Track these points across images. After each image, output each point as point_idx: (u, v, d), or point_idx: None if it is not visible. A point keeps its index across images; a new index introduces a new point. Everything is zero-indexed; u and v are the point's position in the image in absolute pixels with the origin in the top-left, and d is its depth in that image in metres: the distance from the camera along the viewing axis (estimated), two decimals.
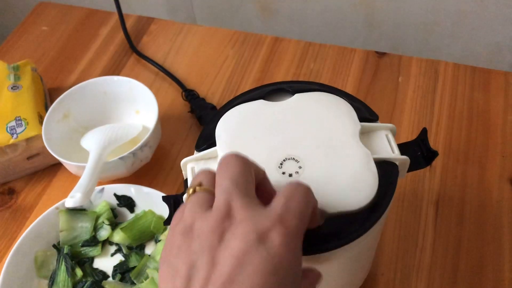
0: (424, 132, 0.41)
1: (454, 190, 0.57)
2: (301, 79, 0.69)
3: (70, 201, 0.47)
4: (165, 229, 0.54)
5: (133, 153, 0.54)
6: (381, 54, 0.71)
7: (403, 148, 0.42)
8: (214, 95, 0.68)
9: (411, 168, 0.41)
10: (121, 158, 0.54)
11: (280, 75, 0.70)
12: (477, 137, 0.61)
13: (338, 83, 0.68)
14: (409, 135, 0.61)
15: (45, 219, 0.54)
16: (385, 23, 0.91)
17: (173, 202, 0.42)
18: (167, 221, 0.41)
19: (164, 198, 0.43)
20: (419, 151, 0.41)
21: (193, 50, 0.75)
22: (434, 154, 0.40)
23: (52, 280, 0.52)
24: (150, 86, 0.68)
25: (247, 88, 0.69)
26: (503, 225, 0.53)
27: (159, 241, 0.54)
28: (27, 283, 0.51)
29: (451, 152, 0.60)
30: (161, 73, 0.72)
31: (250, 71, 0.71)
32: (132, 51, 0.75)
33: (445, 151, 0.60)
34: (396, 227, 0.54)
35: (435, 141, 0.60)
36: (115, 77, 0.62)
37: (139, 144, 0.55)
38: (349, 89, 0.67)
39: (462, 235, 0.53)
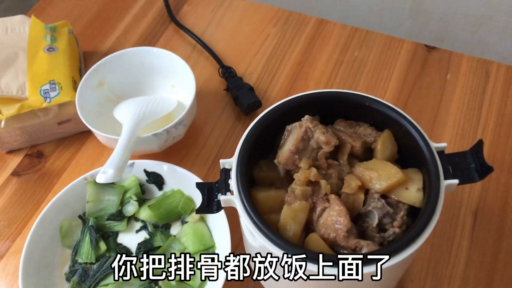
0: (479, 144, 0.39)
1: (495, 201, 0.54)
2: (344, 67, 0.66)
3: (102, 177, 0.45)
4: (192, 211, 0.53)
5: (167, 131, 0.53)
6: (430, 48, 0.67)
7: (456, 157, 0.39)
8: (251, 75, 0.66)
9: (463, 181, 0.38)
10: (154, 135, 0.52)
11: (322, 60, 0.67)
12: None
13: (383, 74, 0.65)
14: (453, 137, 0.58)
15: (73, 188, 0.53)
16: (433, 11, 0.87)
17: (207, 190, 0.41)
18: (200, 210, 0.40)
19: (198, 185, 0.41)
20: (472, 163, 0.38)
21: (233, 25, 0.72)
22: (489, 169, 0.38)
23: (76, 250, 0.51)
24: (186, 59, 0.65)
25: (286, 71, 0.66)
26: None
27: (186, 222, 0.52)
28: (51, 251, 0.51)
29: (495, 160, 0.57)
30: (198, 46, 0.69)
31: (291, 53, 0.68)
32: (170, 20, 0.72)
33: (489, 158, 0.57)
34: (431, 234, 0.52)
35: None
36: (155, 49, 0.60)
37: (174, 122, 0.53)
38: (393, 82, 0.64)
39: (500, 248, 0.51)
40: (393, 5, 0.87)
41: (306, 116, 0.41)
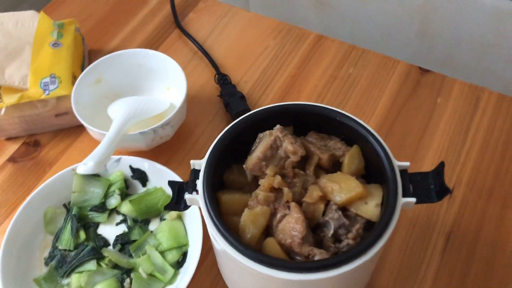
0: (441, 165, 0.40)
1: (470, 225, 0.54)
2: (337, 83, 0.67)
3: (82, 168, 0.48)
4: None
5: (154, 130, 0.55)
6: (424, 71, 0.68)
7: (418, 177, 0.40)
8: (246, 84, 0.68)
9: (421, 200, 0.39)
10: (141, 133, 0.54)
11: (317, 75, 0.69)
12: (507, 175, 0.58)
13: (374, 93, 0.66)
14: (436, 160, 0.59)
15: (60, 178, 0.55)
16: (439, 36, 0.88)
17: (178, 188, 0.43)
18: (168, 206, 0.42)
19: (170, 183, 0.43)
20: (433, 184, 0.39)
21: (235, 35, 0.74)
22: (446, 191, 0.38)
23: (57, 237, 0.54)
24: (186, 64, 0.68)
25: (280, 83, 0.68)
26: None
27: (164, 219, 0.54)
28: (34, 235, 0.53)
29: (475, 185, 0.57)
30: (199, 53, 0.72)
31: (287, 65, 0.70)
32: (176, 25, 0.75)
33: (469, 183, 0.57)
34: (401, 251, 0.53)
35: (461, 171, 0.58)
36: (151, 51, 0.62)
37: (161, 122, 0.55)
38: (383, 101, 0.65)
39: (469, 272, 0.51)
40: (400, 28, 0.88)
41: (277, 126, 0.43)
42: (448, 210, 0.56)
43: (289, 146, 0.42)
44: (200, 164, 0.42)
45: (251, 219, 0.39)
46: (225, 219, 0.41)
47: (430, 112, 0.64)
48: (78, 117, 0.56)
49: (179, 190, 0.43)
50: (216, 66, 0.69)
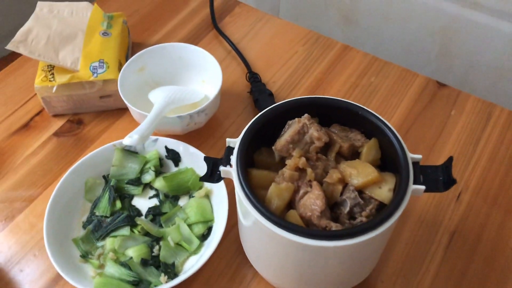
0: (449, 160, 0.44)
1: (473, 227, 0.59)
2: (358, 90, 0.73)
3: (128, 140, 0.53)
4: (200, 188, 0.60)
5: (190, 115, 0.61)
6: (441, 85, 0.73)
7: (429, 169, 0.45)
8: (275, 84, 0.74)
9: (429, 189, 0.44)
10: (179, 117, 0.60)
11: (340, 81, 0.74)
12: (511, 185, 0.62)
13: (392, 101, 0.71)
14: None
15: (102, 152, 0.61)
16: (457, 57, 0.92)
17: (212, 163, 0.48)
18: (203, 178, 0.47)
19: (205, 158, 0.48)
20: (441, 176, 0.44)
21: (267, 39, 0.80)
22: (453, 181, 0.43)
23: (95, 204, 0.59)
24: (220, 62, 0.74)
25: (306, 85, 0.73)
26: (511, 271, 0.55)
27: (193, 197, 0.60)
28: (75, 201, 0.59)
29: (481, 191, 0.62)
30: (233, 52, 0.78)
31: (313, 71, 0.75)
32: (213, 26, 0.81)
33: (475, 189, 0.62)
34: (408, 244, 0.57)
35: (469, 178, 0.63)
36: (192, 46, 0.68)
37: (197, 109, 0.61)
38: (400, 110, 0.70)
39: (469, 269, 0.56)
40: (421, 46, 0.93)
41: (306, 114, 0.48)
42: (454, 211, 0.60)
43: (315, 132, 0.47)
44: (235, 142, 0.47)
45: (277, 192, 0.45)
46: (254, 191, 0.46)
47: (443, 122, 0.69)
48: (123, 98, 0.62)
49: (214, 165, 0.48)
50: (248, 65, 0.75)
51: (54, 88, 0.66)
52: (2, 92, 0.73)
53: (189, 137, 0.66)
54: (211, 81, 0.68)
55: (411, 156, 0.46)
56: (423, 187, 0.43)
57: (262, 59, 0.77)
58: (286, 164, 0.47)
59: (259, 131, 0.48)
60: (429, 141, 0.67)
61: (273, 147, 0.48)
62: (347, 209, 0.44)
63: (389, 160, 0.48)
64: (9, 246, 0.58)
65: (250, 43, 0.79)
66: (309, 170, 0.45)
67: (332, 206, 0.46)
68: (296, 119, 0.48)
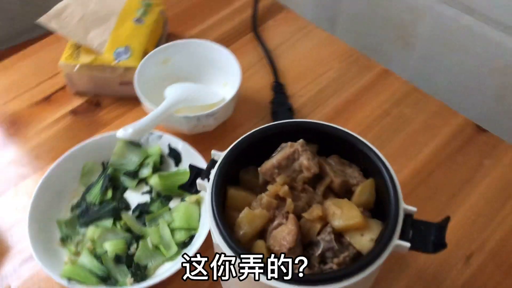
0: (446, 220, 0.39)
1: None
2: (388, 119, 0.67)
3: (121, 132, 0.52)
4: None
5: (198, 118, 0.59)
6: (481, 130, 0.66)
7: (422, 225, 0.40)
8: (300, 98, 0.70)
9: (416, 248, 0.39)
10: (185, 117, 0.58)
11: (371, 107, 0.69)
12: None
13: (422, 137, 0.65)
14: (464, 219, 0.57)
15: (106, 138, 0.60)
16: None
17: (195, 173, 0.45)
18: (181, 186, 0.45)
19: (190, 166, 0.46)
20: (433, 235, 0.39)
21: (304, 50, 0.76)
22: (443, 246, 0.38)
23: (88, 190, 0.59)
24: (250, 66, 0.72)
25: (332, 105, 0.69)
26: None
27: (184, 200, 0.58)
28: (69, 182, 0.59)
29: (497, 256, 0.55)
30: (265, 59, 0.75)
31: (344, 91, 0.71)
32: (252, 29, 0.79)
33: (491, 252, 0.55)
34: None
35: (487, 238, 0.56)
36: (220, 47, 0.66)
37: (206, 112, 0.59)
38: (428, 149, 0.64)
39: None
40: (475, 84, 0.85)
41: (301, 140, 0.45)
42: (462, 270, 0.54)
43: (305, 161, 0.43)
44: (219, 156, 0.45)
45: (248, 218, 0.41)
46: (228, 211, 0.43)
47: (472, 171, 0.62)
48: (136, 87, 0.61)
49: (196, 175, 0.45)
50: (276, 74, 0.71)
51: (76, 67, 0.66)
52: (34, 62, 0.75)
53: (197, 139, 0.64)
54: (232, 85, 0.65)
55: (405, 206, 0.41)
56: (408, 244, 0.39)
57: (293, 69, 0.74)
58: (267, 189, 0.43)
59: (249, 149, 0.45)
60: (451, 188, 0.60)
61: (259, 169, 0.45)
62: (319, 251, 0.40)
63: (383, 207, 0.43)
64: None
65: (286, 51, 0.76)
66: (289, 200, 0.42)
67: (307, 245, 0.42)
68: (289, 143, 0.45)
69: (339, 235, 0.41)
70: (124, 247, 0.53)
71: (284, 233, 0.40)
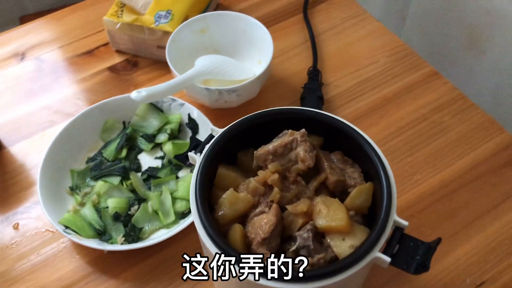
0: (436, 241, 0.36)
1: None
2: (425, 124, 0.63)
3: (134, 94, 0.52)
4: None
5: (220, 91, 0.58)
6: None
7: (411, 242, 0.37)
8: (334, 89, 0.67)
9: (397, 264, 0.36)
10: (207, 89, 0.57)
11: (410, 108, 0.64)
12: None
13: (456, 150, 0.60)
14: (476, 248, 0.52)
15: (131, 99, 0.61)
16: None
17: (194, 145, 0.45)
18: (177, 156, 0.45)
19: (191, 138, 0.46)
20: (419, 255, 0.36)
21: (352, 38, 0.73)
22: (425, 269, 0.35)
23: (105, 145, 0.60)
24: (292, 48, 0.69)
25: (368, 100, 0.65)
26: None
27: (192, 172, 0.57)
28: (88, 135, 0.60)
29: None
30: (309, 42, 0.72)
31: (385, 87, 0.67)
32: (302, 10, 0.76)
33: (505, 285, 0.50)
34: None
35: (503, 270, 0.51)
36: (258, 23, 0.64)
37: (229, 87, 0.57)
38: (463, 163, 0.59)
39: None
40: None
41: (303, 130, 0.42)
42: None
43: (302, 152, 0.41)
44: (217, 132, 0.44)
45: (231, 200, 0.40)
46: (214, 190, 0.42)
47: (505, 196, 0.56)
48: (166, 52, 0.61)
49: (194, 147, 0.45)
50: (316, 60, 0.68)
51: (118, 25, 0.67)
52: (83, 17, 0.77)
53: (219, 114, 0.63)
54: (267, 64, 0.63)
55: (396, 219, 0.38)
56: (388, 259, 0.36)
57: (336, 57, 0.70)
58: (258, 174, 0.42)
59: (249, 130, 0.44)
60: (474, 211, 0.55)
61: (254, 152, 0.44)
62: (294, 247, 0.38)
63: (377, 211, 0.40)
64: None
65: (332, 37, 0.73)
66: (276, 189, 0.40)
67: (286, 238, 0.40)
68: (290, 131, 0.43)
69: (321, 235, 0.39)
70: (125, 207, 0.54)
71: (263, 222, 0.39)
